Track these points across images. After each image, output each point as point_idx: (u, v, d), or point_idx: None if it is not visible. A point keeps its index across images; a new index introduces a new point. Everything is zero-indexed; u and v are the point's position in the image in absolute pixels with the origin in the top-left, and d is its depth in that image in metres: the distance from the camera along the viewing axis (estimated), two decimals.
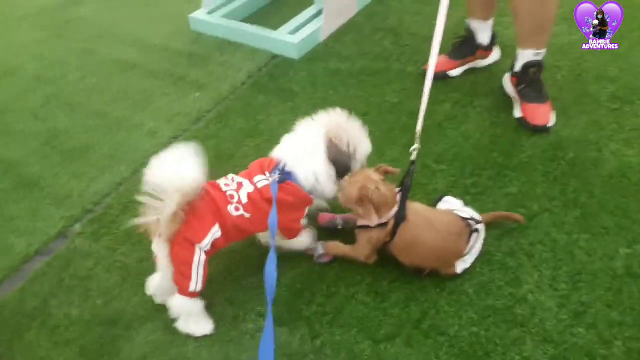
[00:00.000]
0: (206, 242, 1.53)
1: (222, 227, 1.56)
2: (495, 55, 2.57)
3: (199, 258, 1.53)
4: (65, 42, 3.06)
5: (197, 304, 1.60)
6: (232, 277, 1.78)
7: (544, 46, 2.20)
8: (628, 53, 2.51)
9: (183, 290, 1.55)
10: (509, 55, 2.54)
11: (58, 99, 2.63)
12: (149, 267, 1.81)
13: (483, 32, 2.46)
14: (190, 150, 1.45)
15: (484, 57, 2.53)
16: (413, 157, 1.69)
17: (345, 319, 1.64)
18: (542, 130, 2.17)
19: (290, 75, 2.62)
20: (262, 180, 1.62)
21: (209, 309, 1.67)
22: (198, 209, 1.51)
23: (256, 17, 3.08)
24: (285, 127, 1.74)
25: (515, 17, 2.20)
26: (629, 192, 1.90)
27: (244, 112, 2.42)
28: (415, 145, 1.69)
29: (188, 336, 1.63)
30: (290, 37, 2.72)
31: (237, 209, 1.57)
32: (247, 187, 1.61)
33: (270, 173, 1.62)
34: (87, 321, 1.68)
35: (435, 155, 2.12)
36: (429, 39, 1.69)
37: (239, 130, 2.33)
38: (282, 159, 1.65)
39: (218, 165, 2.16)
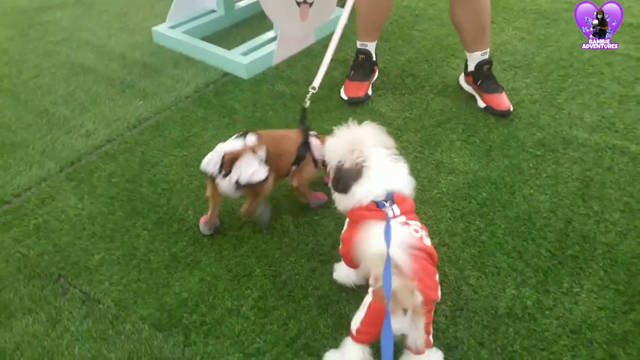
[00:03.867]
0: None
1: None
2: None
3: None
4: (30, 41, 3.14)
5: None
6: (125, 280, 1.80)
7: (488, 46, 2.50)
8: (564, 104, 2.56)
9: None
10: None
11: (7, 94, 2.69)
12: (49, 260, 1.84)
13: (374, 51, 2.67)
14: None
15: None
16: (307, 105, 1.99)
17: (222, 331, 1.64)
18: (507, 114, 2.45)
19: (235, 94, 2.67)
20: None
21: (92, 305, 1.70)
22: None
23: (217, 37, 3.15)
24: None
25: (458, 28, 2.49)
26: (530, 236, 1.91)
27: (181, 124, 2.47)
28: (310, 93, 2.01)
29: (65, 330, 1.64)
30: (242, 58, 2.79)
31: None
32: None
33: None
34: None
35: None
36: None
37: (171, 140, 2.37)
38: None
39: (140, 171, 2.21)
